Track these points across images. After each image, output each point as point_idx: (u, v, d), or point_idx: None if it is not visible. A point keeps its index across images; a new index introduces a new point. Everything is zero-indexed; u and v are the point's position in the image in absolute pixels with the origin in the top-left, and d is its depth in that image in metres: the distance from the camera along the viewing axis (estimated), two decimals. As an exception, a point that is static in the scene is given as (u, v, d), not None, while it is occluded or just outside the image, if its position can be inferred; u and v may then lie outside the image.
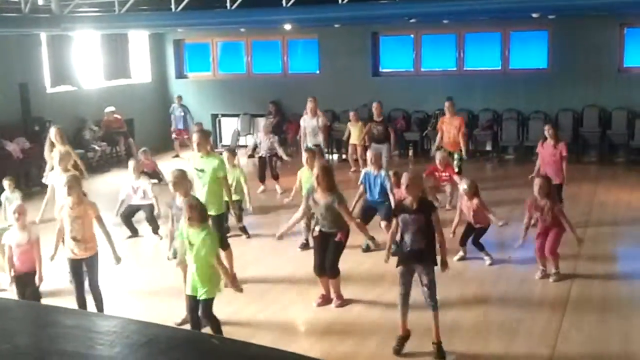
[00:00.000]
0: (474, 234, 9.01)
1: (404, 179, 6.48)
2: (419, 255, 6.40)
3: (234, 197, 9.99)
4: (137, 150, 14.47)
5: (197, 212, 6.39)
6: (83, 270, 7.26)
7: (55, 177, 8.34)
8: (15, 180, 10.92)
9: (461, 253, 9.09)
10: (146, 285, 8.66)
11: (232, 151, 10.70)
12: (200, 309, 6.49)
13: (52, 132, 10.43)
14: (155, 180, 12.54)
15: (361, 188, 9.67)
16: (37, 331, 3.04)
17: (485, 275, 8.62)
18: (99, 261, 7.25)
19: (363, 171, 9.87)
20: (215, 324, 6.56)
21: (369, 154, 10.01)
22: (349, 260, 8.76)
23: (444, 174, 11.32)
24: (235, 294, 6.96)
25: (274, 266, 9.15)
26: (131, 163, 10.74)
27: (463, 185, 8.97)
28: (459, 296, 7.89)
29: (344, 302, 7.75)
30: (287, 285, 8.43)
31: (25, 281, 7.37)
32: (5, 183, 10.45)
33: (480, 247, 9.02)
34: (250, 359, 2.81)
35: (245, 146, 16.64)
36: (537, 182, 8.25)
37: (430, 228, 6.41)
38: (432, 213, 6.44)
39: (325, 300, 7.82)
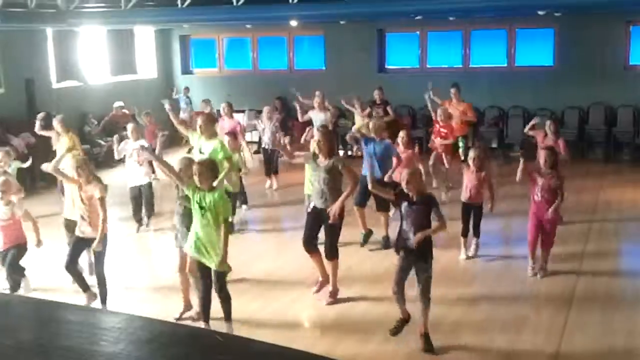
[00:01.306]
0: (472, 216, 8.87)
1: (404, 175, 6.47)
2: (416, 250, 6.39)
3: (233, 189, 9.98)
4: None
5: (208, 169, 6.37)
6: (83, 249, 7.43)
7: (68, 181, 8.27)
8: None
9: (462, 256, 9.02)
10: (149, 281, 8.67)
11: (234, 134, 10.51)
12: (213, 280, 6.50)
13: (55, 123, 10.73)
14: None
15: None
16: (41, 327, 3.05)
17: (489, 273, 8.61)
18: (106, 245, 7.30)
19: (364, 138, 9.43)
20: (228, 300, 6.60)
21: (371, 124, 9.54)
22: (352, 258, 8.78)
23: (442, 129, 11.34)
24: (238, 291, 6.98)
25: (277, 262, 9.15)
26: (130, 126, 10.46)
27: (470, 155, 8.85)
28: (463, 293, 7.89)
29: (335, 300, 7.70)
30: (290, 282, 8.43)
31: (12, 255, 7.66)
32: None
33: (477, 234, 8.91)
34: (253, 355, 2.82)
35: (251, 142, 16.63)
36: (542, 154, 8.18)
37: (428, 223, 6.41)
38: (432, 207, 6.39)
39: (323, 285, 7.81)
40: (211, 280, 6.61)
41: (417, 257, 6.43)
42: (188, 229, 6.78)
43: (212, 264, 6.45)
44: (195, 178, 6.39)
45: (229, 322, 6.74)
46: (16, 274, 7.78)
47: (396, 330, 6.68)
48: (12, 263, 7.69)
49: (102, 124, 16.13)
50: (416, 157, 9.96)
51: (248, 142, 14.32)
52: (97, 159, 15.25)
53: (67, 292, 7.88)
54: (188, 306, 7.42)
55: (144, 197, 10.45)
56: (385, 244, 9.14)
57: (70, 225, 8.19)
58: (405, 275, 6.54)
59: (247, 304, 7.66)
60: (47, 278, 8.16)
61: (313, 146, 8.89)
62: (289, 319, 7.45)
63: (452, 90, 12.63)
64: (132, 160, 10.30)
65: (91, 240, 7.21)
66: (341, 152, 16.36)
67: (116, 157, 10.55)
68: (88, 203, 7.21)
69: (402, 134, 9.91)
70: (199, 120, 9.03)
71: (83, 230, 7.29)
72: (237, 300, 7.46)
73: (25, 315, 3.23)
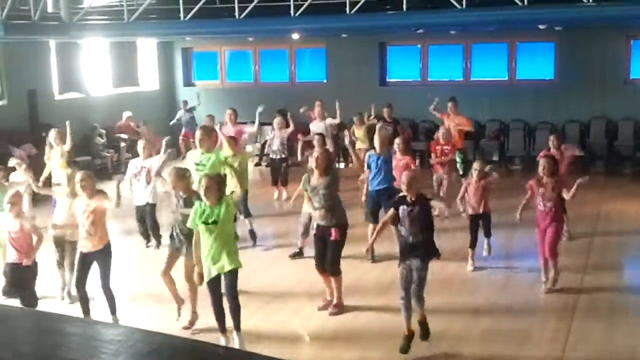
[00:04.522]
0: (482, 225, 8.91)
1: (404, 178, 6.61)
2: (415, 248, 6.51)
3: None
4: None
5: (216, 183, 6.45)
6: (91, 264, 7.29)
7: (61, 194, 8.09)
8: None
9: (470, 267, 8.97)
10: (149, 293, 8.62)
11: (233, 137, 10.33)
12: (225, 283, 6.56)
13: (52, 135, 10.44)
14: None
15: (366, 173, 9.35)
16: (40, 339, 3.05)
17: (493, 284, 8.60)
18: (111, 257, 7.29)
19: (367, 154, 9.50)
20: (238, 310, 6.65)
21: (375, 137, 9.46)
22: (355, 270, 8.75)
23: (445, 147, 11.46)
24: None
25: (278, 275, 9.13)
26: (141, 142, 10.23)
27: (474, 167, 8.89)
28: (466, 305, 7.89)
29: (339, 311, 7.69)
30: (291, 295, 8.41)
31: (17, 273, 7.37)
32: (14, 162, 9.79)
33: (488, 235, 8.99)
34: (253, 369, 2.81)
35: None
36: (541, 162, 8.09)
37: (426, 222, 6.54)
38: (427, 202, 6.64)
39: (328, 305, 7.80)
40: (220, 292, 6.68)
41: (414, 256, 6.50)
42: (188, 237, 6.87)
43: (229, 266, 6.49)
44: (202, 191, 6.45)
45: (239, 332, 6.74)
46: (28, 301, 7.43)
47: (405, 348, 6.64)
48: (30, 297, 7.41)
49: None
50: (413, 164, 9.98)
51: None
52: (99, 170, 15.22)
53: (63, 303, 7.90)
54: (196, 315, 7.44)
55: (148, 219, 10.14)
56: None
57: (59, 241, 8.14)
58: (410, 280, 6.56)
59: (248, 317, 7.62)
60: (43, 290, 8.09)
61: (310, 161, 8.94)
62: (290, 331, 7.43)
63: (450, 104, 12.67)
64: (139, 179, 9.95)
65: (96, 253, 7.16)
66: (342, 164, 16.44)
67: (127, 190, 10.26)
68: (93, 216, 7.08)
69: (398, 140, 9.92)
70: (198, 133, 8.99)
71: (87, 244, 7.16)
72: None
73: (24, 327, 3.22)
